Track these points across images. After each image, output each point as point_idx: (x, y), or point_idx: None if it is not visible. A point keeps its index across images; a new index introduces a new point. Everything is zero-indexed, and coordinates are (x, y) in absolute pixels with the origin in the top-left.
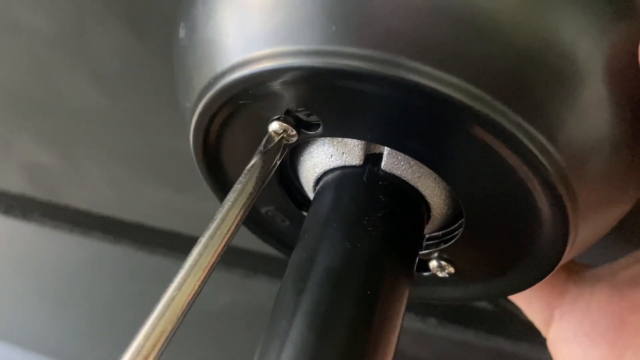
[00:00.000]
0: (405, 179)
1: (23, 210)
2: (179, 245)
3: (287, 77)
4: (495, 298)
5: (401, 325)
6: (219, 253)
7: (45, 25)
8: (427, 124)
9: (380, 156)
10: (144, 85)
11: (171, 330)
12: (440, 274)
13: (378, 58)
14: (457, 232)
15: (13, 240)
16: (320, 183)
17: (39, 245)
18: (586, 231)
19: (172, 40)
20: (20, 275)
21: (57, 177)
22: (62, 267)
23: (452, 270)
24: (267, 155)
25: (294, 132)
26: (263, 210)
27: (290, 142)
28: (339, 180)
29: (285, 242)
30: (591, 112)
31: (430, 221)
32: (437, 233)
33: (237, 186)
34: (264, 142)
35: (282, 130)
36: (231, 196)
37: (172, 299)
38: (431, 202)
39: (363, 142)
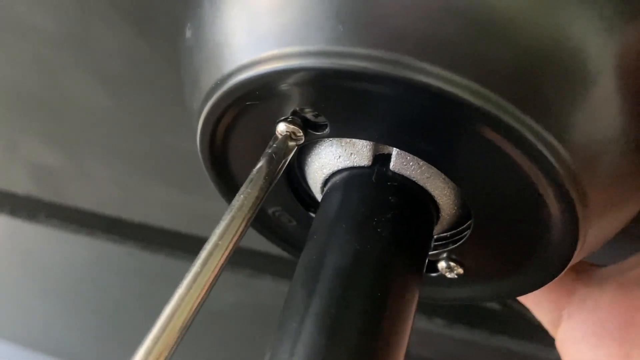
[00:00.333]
0: (414, 179)
1: (29, 210)
2: (184, 245)
3: (294, 78)
4: (503, 299)
5: (412, 325)
6: (228, 254)
7: (51, 26)
8: (435, 124)
9: (388, 157)
10: (150, 85)
11: (181, 332)
12: (448, 275)
13: (386, 58)
14: (465, 232)
15: (19, 241)
16: (329, 184)
17: (45, 246)
18: (596, 232)
19: (178, 41)
20: (26, 275)
21: (62, 177)
22: (67, 267)
23: (460, 271)
24: (275, 157)
25: (301, 133)
26: (270, 211)
27: (298, 143)
28: (348, 181)
29: (291, 243)
30: (601, 113)
31: (439, 222)
32: (445, 234)
33: (244, 188)
34: (271, 143)
35: (289, 131)
36: (239, 198)
37: (182, 299)
38: (440, 203)
39: (371, 142)
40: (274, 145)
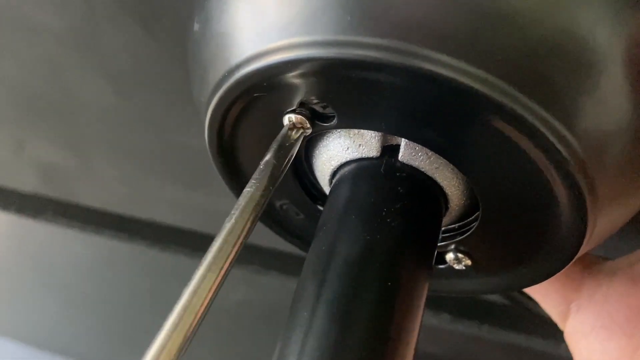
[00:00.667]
0: (423, 170)
1: (36, 209)
2: (191, 242)
3: (301, 68)
4: (512, 290)
5: (422, 316)
6: (237, 249)
7: (57, 24)
8: (444, 114)
9: (397, 148)
10: (157, 83)
11: (192, 331)
12: (457, 267)
13: (394, 47)
14: (473, 224)
15: (26, 239)
16: (337, 176)
17: (52, 244)
18: (605, 222)
19: (186, 35)
20: (34, 273)
21: (69, 175)
22: (75, 265)
23: (468, 262)
24: (282, 148)
25: (309, 124)
26: (278, 204)
27: (306, 134)
28: (356, 172)
29: (299, 236)
30: (610, 102)
31: (447, 213)
32: (454, 225)
33: (252, 181)
34: (279, 135)
35: (297, 123)
36: (248, 191)
37: (193, 295)
38: (449, 193)
39: (380, 133)
40: (282, 136)
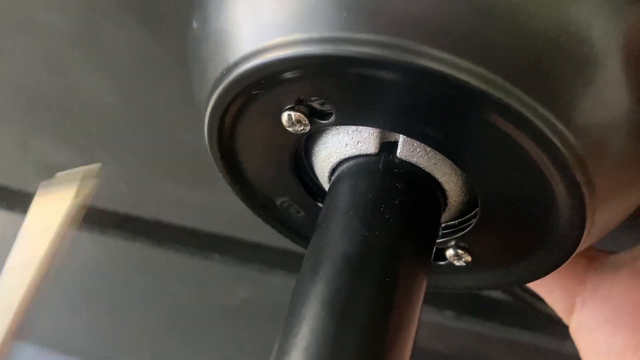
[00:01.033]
0: (421, 166)
1: None
2: (196, 241)
3: (298, 65)
4: (513, 286)
5: (420, 312)
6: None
7: (60, 23)
8: (441, 110)
9: (395, 144)
10: (160, 81)
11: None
12: (457, 263)
13: (390, 43)
14: (473, 220)
15: None
16: (336, 173)
17: None
18: (604, 217)
19: (186, 33)
20: None
21: None
22: (80, 265)
23: (468, 258)
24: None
25: (307, 122)
26: (278, 202)
27: (304, 131)
28: (355, 169)
29: (300, 234)
30: (608, 96)
31: (446, 209)
32: (453, 222)
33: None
34: (277, 131)
35: (295, 120)
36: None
37: None
38: (447, 189)
39: (378, 130)
40: (281, 133)
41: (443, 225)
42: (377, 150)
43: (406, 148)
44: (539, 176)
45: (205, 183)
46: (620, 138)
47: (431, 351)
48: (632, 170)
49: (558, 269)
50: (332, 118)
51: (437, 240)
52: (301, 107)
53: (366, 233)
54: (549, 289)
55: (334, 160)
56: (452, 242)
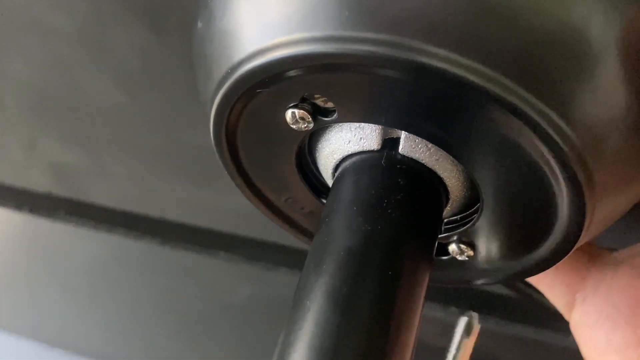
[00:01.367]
0: (423, 162)
1: (49, 209)
2: (202, 239)
3: (302, 64)
4: (515, 280)
5: (423, 306)
6: None
7: (66, 25)
8: (442, 107)
9: (397, 140)
10: (166, 81)
11: None
12: (459, 258)
13: (391, 42)
14: (475, 215)
15: (39, 239)
16: (339, 169)
17: (65, 243)
18: (603, 211)
19: (190, 33)
20: (47, 273)
21: (81, 175)
22: (87, 263)
23: (471, 253)
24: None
25: (311, 119)
26: (282, 199)
27: (308, 128)
28: (358, 165)
29: (305, 231)
30: (607, 91)
31: (449, 204)
32: (455, 217)
33: None
34: (281, 129)
35: (299, 118)
36: None
37: None
38: (449, 185)
39: (380, 126)
40: (285, 131)
41: (445, 220)
42: (379, 147)
43: (408, 144)
44: (539, 171)
45: (211, 181)
46: (619, 133)
47: (436, 347)
48: (632, 165)
49: (559, 265)
50: (335, 115)
51: (440, 235)
52: (305, 104)
53: (369, 228)
54: (549, 285)
55: (337, 156)
56: (455, 237)
